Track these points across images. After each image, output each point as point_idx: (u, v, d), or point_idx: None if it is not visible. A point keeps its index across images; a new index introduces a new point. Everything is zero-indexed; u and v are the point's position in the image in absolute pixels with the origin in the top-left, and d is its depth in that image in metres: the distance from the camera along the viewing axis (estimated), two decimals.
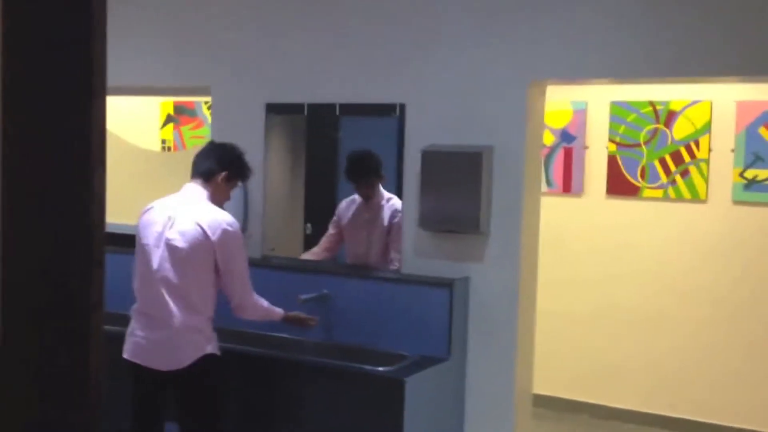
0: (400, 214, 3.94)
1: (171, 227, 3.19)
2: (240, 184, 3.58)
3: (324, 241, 4.23)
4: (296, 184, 4.39)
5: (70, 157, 0.74)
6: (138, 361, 3.22)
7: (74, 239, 0.73)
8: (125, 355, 3.25)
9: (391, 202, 4.08)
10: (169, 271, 3.18)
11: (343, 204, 4.24)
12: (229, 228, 3.21)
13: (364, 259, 4.12)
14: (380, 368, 3.31)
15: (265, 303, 3.39)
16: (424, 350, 3.51)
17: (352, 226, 4.19)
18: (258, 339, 3.80)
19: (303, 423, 3.36)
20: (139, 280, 3.27)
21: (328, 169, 4.47)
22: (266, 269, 3.89)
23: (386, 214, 4.11)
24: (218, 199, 3.36)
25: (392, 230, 4.00)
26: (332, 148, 4.62)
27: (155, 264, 3.20)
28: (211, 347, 3.22)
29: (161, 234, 3.20)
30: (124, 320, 3.34)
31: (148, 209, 3.32)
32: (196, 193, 3.29)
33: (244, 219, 4.10)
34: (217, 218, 3.21)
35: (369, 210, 4.15)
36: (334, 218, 4.22)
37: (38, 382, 0.75)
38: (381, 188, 4.10)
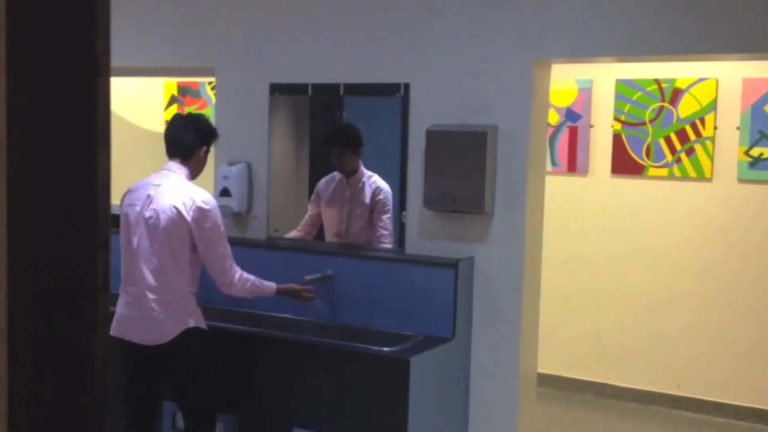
0: (383, 192, 3.99)
1: (149, 206, 3.24)
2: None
3: (304, 221, 4.24)
4: (301, 164, 4.39)
5: (75, 137, 0.74)
6: (123, 337, 3.27)
7: (80, 220, 0.73)
8: (112, 332, 3.30)
9: (373, 179, 4.12)
10: (147, 250, 3.24)
11: (323, 182, 4.26)
12: (204, 206, 3.22)
13: (343, 236, 4.13)
14: (385, 348, 3.32)
15: (251, 278, 3.38)
16: (428, 330, 3.52)
17: (332, 203, 4.20)
18: (262, 319, 3.82)
19: (308, 404, 3.37)
20: (122, 259, 3.33)
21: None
22: (271, 250, 3.89)
23: (368, 191, 4.13)
24: (198, 172, 3.40)
25: (376, 207, 4.03)
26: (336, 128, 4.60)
27: (135, 242, 3.27)
28: (194, 321, 3.25)
29: (140, 213, 3.25)
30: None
31: (130, 189, 3.37)
32: (174, 171, 3.32)
33: (249, 200, 4.10)
34: (193, 196, 3.23)
35: (350, 186, 4.16)
36: (313, 197, 4.23)
37: (44, 363, 0.75)
38: (362, 165, 4.11)
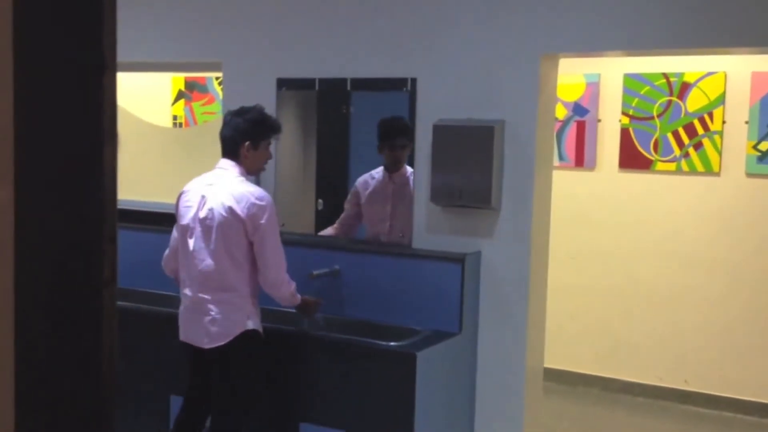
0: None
1: (203, 207, 3.21)
2: (274, 140, 3.49)
3: (341, 220, 4.18)
4: (308, 159, 4.39)
5: (82, 132, 0.74)
6: (186, 340, 3.27)
7: (86, 215, 0.73)
8: (180, 337, 3.31)
9: (411, 170, 4.05)
10: (203, 251, 3.21)
11: (361, 181, 4.19)
12: (258, 202, 3.19)
13: (387, 234, 4.06)
14: (392, 343, 3.32)
15: (294, 284, 3.37)
16: (435, 325, 3.52)
17: (374, 201, 4.13)
18: (269, 314, 3.83)
19: (315, 399, 3.38)
20: (180, 262, 3.30)
21: (340, 144, 4.47)
22: None
23: (412, 183, 4.05)
24: (254, 167, 3.35)
25: None
26: (343, 123, 4.60)
27: (191, 244, 3.24)
28: (252, 323, 3.23)
29: (196, 215, 3.22)
30: (138, 296, 3.38)
31: (185, 191, 3.33)
32: (226, 168, 3.29)
33: None
34: (245, 193, 3.20)
35: (393, 183, 4.09)
36: (351, 197, 4.17)
37: (51, 358, 0.76)
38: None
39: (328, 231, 4.17)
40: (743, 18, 3.15)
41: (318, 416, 3.36)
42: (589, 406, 5.33)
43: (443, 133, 3.58)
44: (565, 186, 5.33)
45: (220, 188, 3.22)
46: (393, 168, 4.08)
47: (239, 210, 3.15)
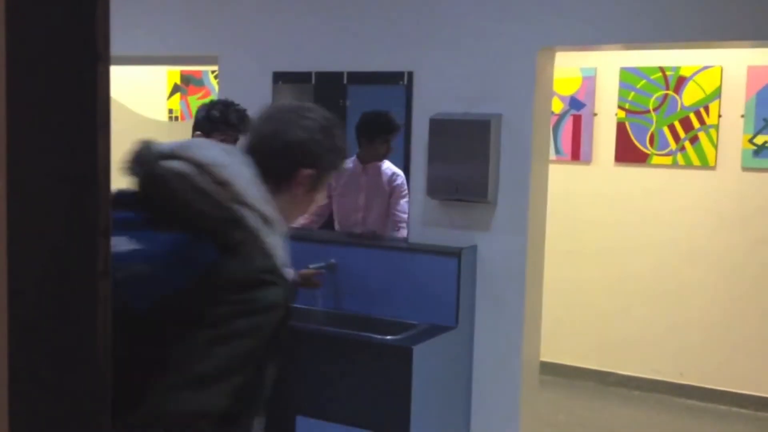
0: (399, 177, 3.99)
1: None
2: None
3: (310, 212, 4.18)
4: None
5: (75, 123, 0.74)
6: None
7: (80, 207, 0.73)
8: None
9: (386, 165, 4.12)
10: None
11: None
12: None
13: (360, 225, 4.11)
14: (388, 337, 3.32)
15: None
16: (431, 319, 3.52)
17: (347, 192, 4.16)
18: None
19: (311, 392, 3.38)
20: None
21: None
22: None
23: (385, 178, 4.12)
24: None
25: (393, 192, 4.03)
26: (340, 117, 4.59)
27: None
28: None
29: None
30: None
31: None
32: None
33: None
34: None
35: (366, 174, 4.15)
36: None
37: (45, 351, 0.75)
38: None
39: (299, 221, 4.17)
40: (739, 11, 3.15)
41: (314, 410, 3.36)
42: (585, 400, 5.35)
43: (440, 126, 3.58)
44: (562, 180, 5.33)
45: None
46: (366, 159, 4.12)
47: None
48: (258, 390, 1.60)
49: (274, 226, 1.59)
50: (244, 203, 1.54)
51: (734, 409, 5.17)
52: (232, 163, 1.59)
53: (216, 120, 3.30)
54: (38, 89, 0.71)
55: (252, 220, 1.55)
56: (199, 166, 1.54)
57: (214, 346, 1.46)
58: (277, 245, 1.58)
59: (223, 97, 3.78)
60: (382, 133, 4.12)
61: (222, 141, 3.30)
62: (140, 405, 1.42)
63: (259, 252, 1.53)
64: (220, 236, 1.50)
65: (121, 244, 1.45)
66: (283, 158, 1.68)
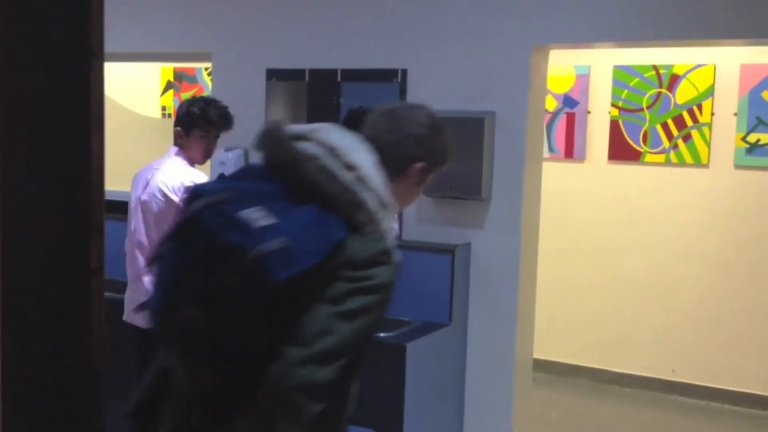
0: None
1: (145, 190, 3.26)
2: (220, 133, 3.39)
3: None
4: None
5: (68, 120, 0.74)
6: (128, 320, 3.31)
7: (73, 204, 0.73)
8: (123, 317, 3.36)
9: None
10: (142, 233, 3.29)
11: None
12: (190, 184, 3.19)
13: None
14: (381, 334, 3.33)
15: None
16: (425, 316, 3.52)
17: None
18: None
19: None
20: (126, 243, 3.36)
21: None
22: None
23: None
24: (192, 155, 3.33)
25: None
26: (334, 114, 4.59)
27: (132, 226, 3.32)
28: None
29: (138, 197, 3.28)
30: (125, 287, 3.38)
31: (136, 174, 3.39)
32: (172, 155, 3.32)
33: None
34: (182, 178, 3.21)
35: None
36: None
37: (39, 349, 0.75)
38: None
39: None
40: (732, 10, 3.16)
41: None
42: (578, 397, 5.36)
43: None
44: (555, 178, 5.34)
45: (161, 172, 3.27)
46: None
47: (172, 193, 3.19)
48: (363, 363, 1.70)
49: (389, 210, 1.71)
50: (367, 187, 1.66)
51: (727, 406, 5.19)
52: (359, 150, 1.71)
53: (196, 117, 3.30)
54: (32, 86, 0.71)
55: (372, 203, 1.66)
56: (330, 149, 1.66)
57: (338, 322, 1.57)
58: (391, 228, 1.71)
59: (212, 95, 3.77)
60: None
61: (202, 138, 3.32)
62: (267, 373, 1.55)
63: (377, 233, 1.65)
64: (346, 217, 1.62)
65: (258, 218, 1.56)
66: (399, 152, 1.80)
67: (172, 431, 1.71)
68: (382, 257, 1.64)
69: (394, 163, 1.78)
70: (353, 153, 1.68)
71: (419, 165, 1.82)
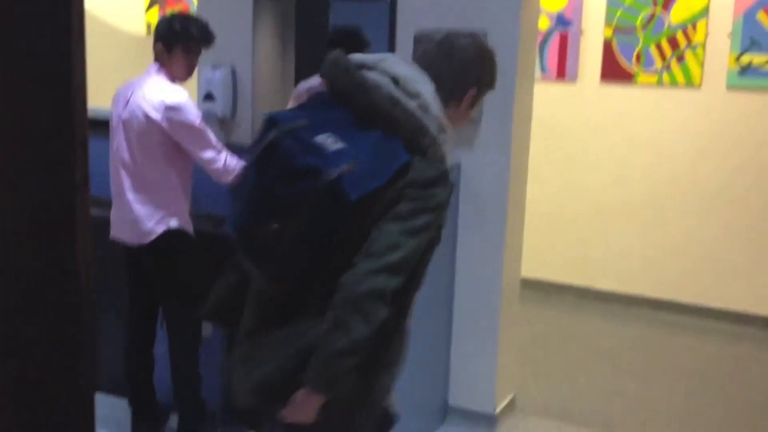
0: None
1: (125, 107, 3.22)
2: (200, 49, 3.33)
3: None
4: (286, 70, 4.32)
5: (49, 31, 0.72)
6: (115, 237, 3.33)
7: (56, 118, 0.72)
8: (110, 235, 3.37)
9: None
10: (124, 151, 3.25)
11: (302, 88, 4.18)
12: (172, 102, 3.16)
13: None
14: None
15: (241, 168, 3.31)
16: None
17: None
18: None
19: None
20: (110, 163, 3.34)
21: (319, 53, 4.38)
22: None
23: None
24: (174, 73, 3.28)
25: None
26: (322, 34, 4.51)
27: (115, 144, 3.29)
28: (177, 222, 3.25)
29: (119, 115, 3.24)
30: (110, 205, 3.39)
31: (116, 92, 3.34)
32: (150, 72, 3.27)
33: (233, 105, 4.06)
34: (162, 95, 3.16)
35: None
36: (291, 104, 4.14)
37: (25, 264, 0.76)
38: None
39: None
40: None
41: None
42: (564, 313, 5.47)
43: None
44: (546, 99, 5.31)
45: (142, 90, 3.22)
46: None
47: (153, 111, 3.15)
48: (424, 276, 1.93)
49: (447, 134, 1.89)
50: (429, 113, 1.84)
51: (711, 323, 5.30)
52: (421, 80, 1.88)
53: (178, 32, 3.25)
54: (7, 4, 0.69)
55: (433, 128, 1.84)
56: (394, 79, 1.84)
57: (405, 238, 1.77)
58: (449, 151, 1.89)
59: (197, 13, 3.69)
60: (350, 47, 4.06)
61: (184, 54, 3.27)
62: (339, 281, 1.76)
63: (438, 156, 1.84)
64: (410, 141, 1.80)
65: (331, 143, 1.75)
66: (453, 80, 1.95)
67: (248, 330, 1.92)
68: (442, 178, 1.83)
69: (448, 91, 1.93)
70: (416, 83, 1.85)
71: (472, 91, 1.98)
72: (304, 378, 1.79)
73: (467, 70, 1.97)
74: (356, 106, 1.81)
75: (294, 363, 1.81)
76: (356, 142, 1.77)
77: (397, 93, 1.82)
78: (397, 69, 1.86)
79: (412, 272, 1.83)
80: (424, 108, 1.84)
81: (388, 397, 1.96)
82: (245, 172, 1.88)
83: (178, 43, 3.26)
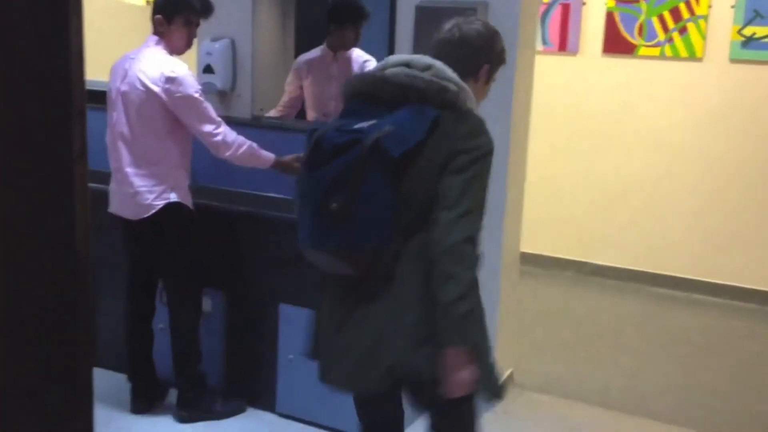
0: (371, 62, 4.03)
1: (124, 80, 3.18)
2: (199, 21, 3.33)
3: (283, 102, 4.20)
4: (286, 43, 4.28)
5: (45, 2, 0.70)
6: (115, 212, 3.32)
7: (52, 87, 0.70)
8: (109, 209, 3.35)
9: (356, 53, 4.14)
10: (124, 125, 3.22)
11: (302, 60, 4.21)
12: (172, 74, 3.13)
13: (334, 113, 4.11)
14: None
15: (247, 142, 3.29)
16: None
17: (318, 81, 4.16)
18: (250, 198, 3.82)
19: (295, 281, 3.42)
20: (108, 136, 3.32)
21: (319, 26, 4.35)
22: (256, 129, 3.84)
23: (356, 66, 4.13)
24: (173, 45, 3.25)
25: None
26: (323, 4, 4.47)
27: (114, 117, 3.26)
28: (177, 196, 3.24)
29: (117, 88, 3.21)
30: (108, 177, 3.37)
31: (113, 66, 3.30)
32: (151, 44, 3.23)
33: (233, 78, 4.02)
34: (161, 67, 3.13)
35: (336, 62, 4.15)
36: (291, 78, 4.18)
37: (22, 237, 0.74)
38: None
39: (271, 114, 4.16)
40: None
41: (297, 298, 3.41)
42: (563, 287, 5.47)
43: (426, 14, 3.48)
44: (547, 71, 5.27)
45: (140, 62, 3.18)
46: (336, 47, 4.14)
47: (152, 84, 3.12)
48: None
49: (469, 93, 2.13)
50: (444, 77, 2.10)
51: (708, 297, 5.31)
52: (428, 57, 2.15)
53: (178, 3, 3.21)
54: None
55: (452, 87, 2.09)
56: (406, 64, 2.13)
57: (469, 186, 2.01)
58: (473, 107, 2.14)
59: None
60: (351, 19, 4.11)
61: (184, 25, 3.24)
62: (428, 239, 1.99)
63: (465, 109, 2.10)
64: (436, 100, 2.06)
65: (364, 124, 2.01)
66: (471, 57, 2.20)
67: (338, 323, 2.13)
68: (480, 129, 2.10)
69: (465, 69, 2.17)
70: (425, 58, 2.13)
71: (486, 67, 2.23)
72: (443, 341, 1.99)
73: (478, 52, 2.21)
74: (384, 96, 2.08)
75: (423, 331, 2.01)
76: (389, 118, 2.03)
77: (411, 72, 2.09)
78: (406, 57, 2.15)
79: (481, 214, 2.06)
80: (440, 75, 2.10)
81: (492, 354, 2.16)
82: (302, 184, 2.09)
83: (178, 14, 3.23)
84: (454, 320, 1.97)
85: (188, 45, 3.32)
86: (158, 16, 3.23)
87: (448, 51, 2.19)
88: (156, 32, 3.24)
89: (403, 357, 2.03)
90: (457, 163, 2.01)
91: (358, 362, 2.08)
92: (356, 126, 2.01)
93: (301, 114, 4.29)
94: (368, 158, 1.94)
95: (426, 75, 2.08)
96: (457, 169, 2.01)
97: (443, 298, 1.97)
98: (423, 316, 2.02)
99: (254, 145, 3.33)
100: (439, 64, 2.12)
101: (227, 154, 3.26)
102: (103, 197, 3.37)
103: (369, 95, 2.11)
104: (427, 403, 2.20)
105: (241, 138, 3.30)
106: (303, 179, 2.09)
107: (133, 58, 3.23)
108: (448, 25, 2.25)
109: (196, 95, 3.18)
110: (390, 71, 2.11)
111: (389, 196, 1.97)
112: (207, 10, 3.31)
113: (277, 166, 3.45)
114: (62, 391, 0.78)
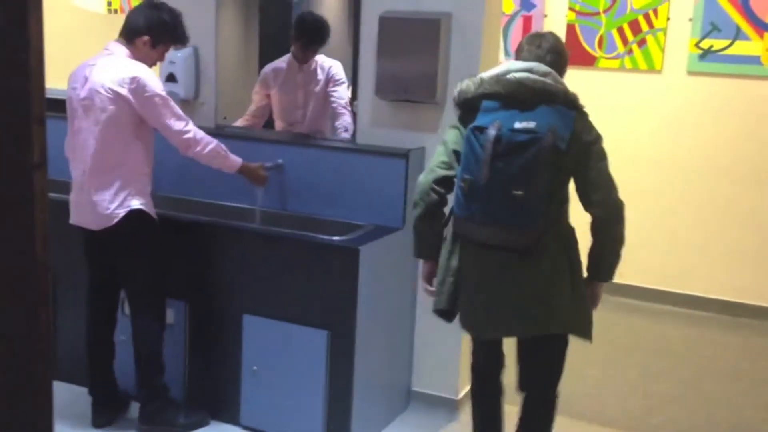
0: (333, 66, 4.13)
1: (84, 86, 3.15)
2: (173, 49, 3.42)
3: (251, 112, 4.21)
4: (250, 49, 4.27)
5: (4, 6, 0.69)
6: (75, 223, 3.27)
7: (12, 94, 0.69)
8: (71, 220, 3.30)
9: (320, 60, 4.25)
10: (85, 132, 3.18)
11: (269, 70, 4.23)
12: (137, 74, 3.11)
13: (301, 122, 4.15)
14: (335, 237, 3.34)
15: (214, 141, 3.30)
16: (378, 220, 3.54)
17: (286, 90, 4.19)
18: (213, 208, 3.80)
19: (258, 291, 3.40)
20: (68, 144, 3.27)
21: (283, 34, 4.35)
22: (220, 138, 3.82)
23: (320, 72, 4.18)
24: (143, 62, 3.24)
25: (330, 82, 4.19)
26: (286, 13, 4.47)
27: (75, 125, 3.21)
28: (139, 203, 3.20)
29: (77, 94, 3.16)
30: (69, 187, 3.32)
31: (72, 73, 3.26)
32: (112, 50, 3.20)
33: (196, 86, 4.00)
34: (125, 70, 3.11)
35: (302, 71, 4.20)
36: (258, 87, 4.20)
37: None
38: None
39: (238, 123, 4.16)
40: None
41: (261, 309, 3.39)
42: None
43: (389, 25, 3.50)
44: None
45: (101, 67, 3.15)
46: (302, 58, 4.20)
47: (119, 87, 3.09)
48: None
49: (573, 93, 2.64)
50: (561, 82, 2.64)
51: (667, 307, 5.38)
52: (543, 65, 2.64)
53: (170, 30, 3.27)
54: None
55: (571, 91, 2.61)
56: (529, 70, 2.59)
57: (606, 167, 2.66)
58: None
59: None
60: (317, 41, 4.18)
61: (165, 51, 3.30)
62: (594, 210, 2.70)
63: (583, 108, 2.64)
64: (566, 102, 2.57)
65: (524, 124, 2.50)
66: (558, 64, 2.72)
67: (489, 280, 2.69)
68: (591, 123, 2.65)
69: (561, 74, 2.71)
70: (542, 67, 2.61)
71: (565, 69, 2.79)
72: (602, 277, 2.86)
73: (560, 56, 2.74)
74: (520, 97, 2.52)
75: (569, 293, 2.66)
76: (536, 117, 2.49)
77: (537, 77, 2.56)
78: (527, 64, 2.62)
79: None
80: (558, 80, 2.61)
81: None
82: (469, 177, 2.57)
83: (166, 43, 3.25)
84: (618, 258, 2.80)
85: (154, 64, 3.34)
86: (146, 38, 3.20)
87: (544, 57, 2.68)
88: (136, 53, 3.20)
89: (557, 312, 2.64)
90: (596, 151, 2.60)
91: (514, 313, 2.61)
92: (518, 126, 2.48)
93: (269, 123, 4.28)
94: (549, 151, 2.43)
95: (548, 80, 2.55)
96: (599, 156, 2.61)
97: (613, 240, 2.78)
98: (573, 280, 2.69)
99: (223, 146, 3.34)
100: (553, 71, 2.60)
101: (197, 150, 3.24)
102: (63, 207, 3.32)
103: (503, 95, 2.54)
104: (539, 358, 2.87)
105: (209, 137, 3.30)
106: (475, 170, 2.52)
107: (93, 65, 3.19)
108: (533, 38, 2.77)
109: (164, 93, 3.17)
110: (521, 75, 2.55)
111: (553, 182, 2.50)
112: (184, 36, 3.35)
113: (244, 170, 3.45)
114: (20, 405, 0.77)
